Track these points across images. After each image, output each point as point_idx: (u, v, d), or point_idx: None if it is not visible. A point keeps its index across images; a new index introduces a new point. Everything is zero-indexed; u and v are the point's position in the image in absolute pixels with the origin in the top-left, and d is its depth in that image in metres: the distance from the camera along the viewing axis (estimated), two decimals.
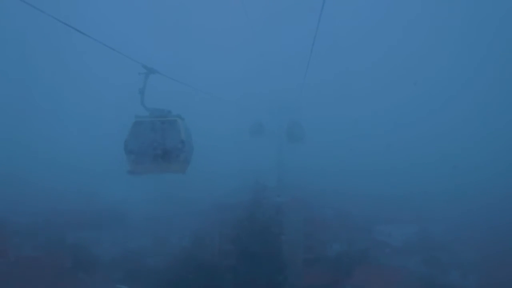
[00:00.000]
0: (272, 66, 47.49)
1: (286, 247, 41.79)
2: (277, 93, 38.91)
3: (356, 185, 51.15)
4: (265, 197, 42.78)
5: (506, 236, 41.41)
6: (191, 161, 14.20)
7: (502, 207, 46.11)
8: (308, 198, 48.12)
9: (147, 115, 13.59)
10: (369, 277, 36.15)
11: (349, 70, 60.45)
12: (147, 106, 13.65)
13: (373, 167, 54.82)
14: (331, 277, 39.04)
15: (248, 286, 37.30)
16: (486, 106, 62.53)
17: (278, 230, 41.88)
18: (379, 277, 36.09)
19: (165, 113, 13.76)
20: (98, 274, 38.68)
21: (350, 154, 53.53)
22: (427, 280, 37.93)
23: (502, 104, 60.70)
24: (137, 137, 13.26)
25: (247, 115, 36.95)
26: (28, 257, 38.08)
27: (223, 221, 45.38)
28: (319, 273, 40.59)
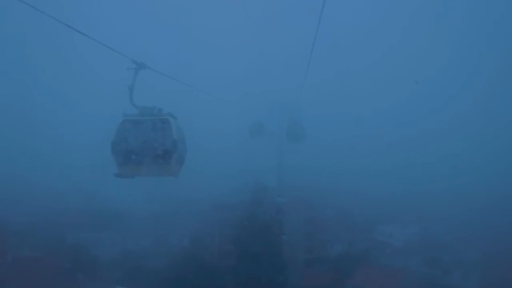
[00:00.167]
0: (273, 66, 47.30)
1: (287, 247, 41.68)
2: (278, 93, 38.70)
3: (357, 185, 51.06)
4: (265, 197, 42.64)
5: (508, 235, 41.30)
6: (185, 163, 13.54)
7: (504, 207, 46.00)
8: (309, 198, 47.99)
9: (136, 114, 12.71)
10: (370, 278, 35.99)
11: (350, 69, 60.42)
12: (137, 104, 12.77)
13: (374, 167, 54.74)
14: (332, 278, 38.93)
15: (248, 287, 37.18)
16: (487, 105, 62.53)
17: (279, 230, 41.77)
18: (380, 277, 35.94)
19: (156, 112, 12.87)
20: (98, 274, 38.54)
21: (351, 154, 53.46)
22: (428, 281, 37.80)
23: (502, 104, 60.65)
24: (125, 137, 12.42)
25: (247, 114, 36.77)
26: (26, 258, 37.91)
27: (223, 221, 45.26)
28: (320, 273, 40.48)
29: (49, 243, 43.11)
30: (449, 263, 41.87)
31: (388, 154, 54.85)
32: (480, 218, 45.67)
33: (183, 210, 49.32)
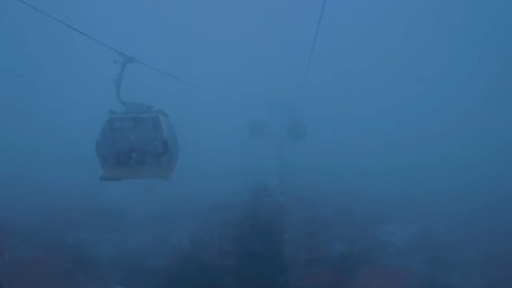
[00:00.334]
0: (273, 64, 47.11)
1: (288, 247, 41.58)
2: (278, 92, 38.60)
3: (359, 184, 50.80)
4: (267, 196, 42.55)
5: (509, 235, 41.18)
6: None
7: (506, 206, 45.83)
8: (310, 197, 47.84)
9: (123, 111, 11.77)
10: (372, 278, 35.88)
11: (351, 68, 60.07)
12: (125, 100, 11.82)
13: (375, 166, 54.48)
14: (333, 278, 38.85)
15: (249, 287, 37.07)
16: (489, 104, 62.22)
17: (280, 229, 41.67)
18: (382, 277, 35.83)
19: (145, 109, 11.91)
20: (97, 274, 38.42)
21: (352, 153, 53.19)
22: (431, 281, 37.67)
23: (505, 102, 60.33)
24: (111, 137, 11.44)
25: (248, 113, 36.60)
26: (25, 258, 37.77)
27: (223, 221, 45.17)
28: (321, 273, 40.37)
29: (48, 242, 42.96)
30: (451, 262, 41.76)
31: (389, 153, 54.60)
32: (482, 217, 45.50)
33: (183, 210, 49.13)
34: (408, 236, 46.81)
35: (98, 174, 12.24)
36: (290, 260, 41.53)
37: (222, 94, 37.39)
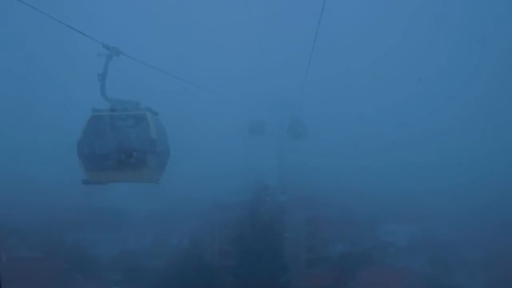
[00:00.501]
0: (274, 63, 46.91)
1: (288, 247, 41.46)
2: (279, 91, 38.41)
3: (360, 183, 50.67)
4: (267, 195, 42.44)
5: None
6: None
7: (508, 204, 45.69)
8: (311, 197, 47.70)
9: (107, 109, 10.84)
10: (373, 278, 35.74)
11: (352, 67, 59.83)
12: (109, 97, 10.85)
13: (376, 165, 54.31)
14: (335, 277, 38.71)
15: (249, 287, 36.95)
16: (491, 102, 62.04)
17: (280, 228, 41.56)
18: (384, 277, 35.70)
19: (132, 106, 10.92)
20: (97, 275, 38.27)
21: (353, 152, 52.99)
22: (432, 280, 37.54)
23: (506, 101, 60.09)
24: (94, 136, 10.55)
25: (248, 112, 36.45)
26: (23, 258, 37.57)
27: (223, 221, 45.07)
28: (322, 273, 40.25)
29: (47, 242, 42.77)
30: (453, 262, 41.63)
31: (390, 152, 54.41)
32: (484, 216, 45.39)
33: (183, 209, 48.98)
34: (410, 236, 46.69)
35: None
36: (291, 260, 41.39)
37: (222, 93, 37.21)
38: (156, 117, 11.13)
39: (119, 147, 10.51)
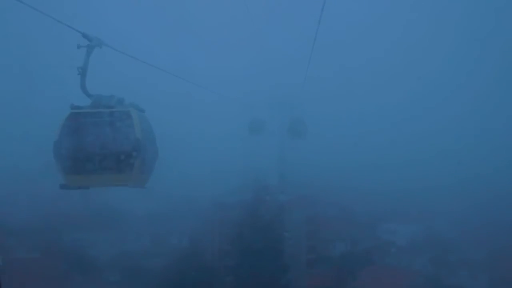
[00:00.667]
0: (273, 62, 46.76)
1: (289, 246, 41.37)
2: (279, 89, 38.32)
3: (360, 182, 50.54)
4: (267, 194, 42.32)
5: None
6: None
7: (509, 202, 45.61)
8: (311, 196, 47.56)
9: (88, 106, 9.78)
10: (374, 278, 35.63)
11: (352, 65, 59.77)
12: (90, 93, 9.83)
13: (377, 163, 54.22)
14: (335, 277, 38.60)
15: (249, 287, 36.86)
16: (491, 101, 61.96)
17: (281, 228, 41.46)
18: (384, 277, 35.58)
19: (114, 102, 9.80)
20: (95, 275, 38.11)
21: (353, 150, 52.88)
22: (434, 281, 37.43)
23: (506, 99, 60.01)
24: (73, 136, 9.51)
25: (248, 111, 36.29)
26: (21, 259, 37.41)
27: (223, 220, 44.94)
28: (323, 273, 40.14)
29: (46, 243, 42.56)
30: (454, 261, 41.53)
31: (391, 151, 54.33)
32: (485, 214, 45.32)
33: (183, 209, 48.84)
34: (410, 235, 46.56)
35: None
36: (291, 260, 41.31)
37: (222, 92, 37.08)
38: (142, 115, 10.13)
39: (100, 148, 9.54)
